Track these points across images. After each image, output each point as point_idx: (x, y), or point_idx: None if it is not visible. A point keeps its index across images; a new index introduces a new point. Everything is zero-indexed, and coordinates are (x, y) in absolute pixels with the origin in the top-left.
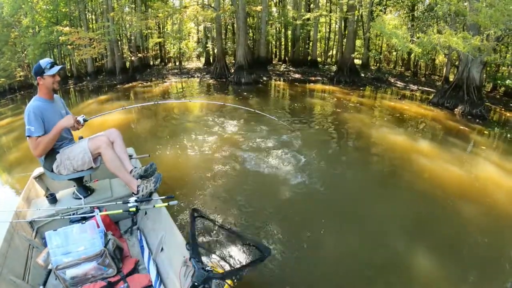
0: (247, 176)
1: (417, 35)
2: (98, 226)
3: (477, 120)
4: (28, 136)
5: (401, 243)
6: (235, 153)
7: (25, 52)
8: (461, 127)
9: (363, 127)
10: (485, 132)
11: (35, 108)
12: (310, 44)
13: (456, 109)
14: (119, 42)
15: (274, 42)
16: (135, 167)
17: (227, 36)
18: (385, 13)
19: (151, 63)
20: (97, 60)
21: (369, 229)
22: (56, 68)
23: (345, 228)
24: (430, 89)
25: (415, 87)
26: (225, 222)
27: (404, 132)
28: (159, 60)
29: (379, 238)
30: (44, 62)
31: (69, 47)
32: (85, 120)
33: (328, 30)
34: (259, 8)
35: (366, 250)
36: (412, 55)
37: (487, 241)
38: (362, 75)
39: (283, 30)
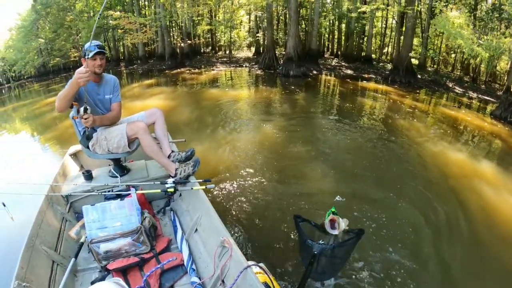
0: (281, 170)
1: (483, 37)
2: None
3: None
4: None
5: None
6: (275, 148)
7: (79, 35)
8: None
9: (418, 137)
10: None
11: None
12: (365, 39)
13: None
14: (171, 29)
15: (327, 35)
16: (173, 151)
17: (279, 26)
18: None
19: (202, 50)
20: (148, 45)
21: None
22: (92, 53)
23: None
24: (491, 99)
25: (474, 95)
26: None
27: (464, 148)
28: (210, 48)
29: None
30: (88, 45)
31: (119, 31)
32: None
33: (384, 25)
34: None
35: None
36: (477, 59)
37: None
38: (419, 76)
39: (336, 23)
